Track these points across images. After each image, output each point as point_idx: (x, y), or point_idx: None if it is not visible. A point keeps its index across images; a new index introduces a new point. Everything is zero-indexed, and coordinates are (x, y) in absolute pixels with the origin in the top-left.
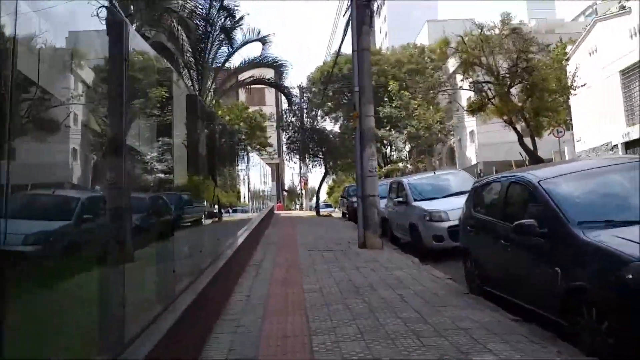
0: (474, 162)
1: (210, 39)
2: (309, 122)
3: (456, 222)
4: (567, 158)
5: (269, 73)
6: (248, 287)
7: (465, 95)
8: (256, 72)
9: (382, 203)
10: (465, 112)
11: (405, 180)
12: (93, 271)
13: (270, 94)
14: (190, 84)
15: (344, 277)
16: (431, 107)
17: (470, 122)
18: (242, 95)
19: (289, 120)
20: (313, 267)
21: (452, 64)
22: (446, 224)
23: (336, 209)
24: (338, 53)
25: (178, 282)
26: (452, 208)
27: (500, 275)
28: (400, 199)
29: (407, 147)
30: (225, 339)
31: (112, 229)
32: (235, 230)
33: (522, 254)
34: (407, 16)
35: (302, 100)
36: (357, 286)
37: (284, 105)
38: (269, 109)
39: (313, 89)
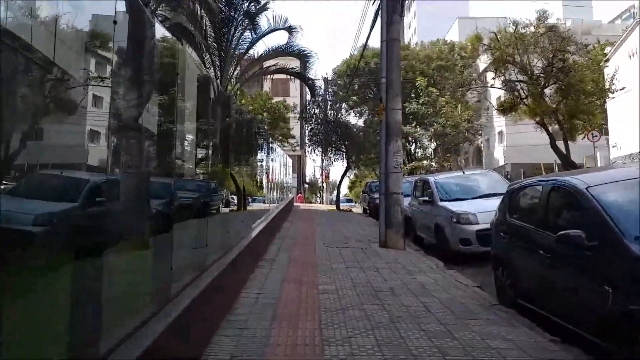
0: (501, 163)
1: (234, 23)
2: (332, 115)
3: (485, 226)
4: (599, 164)
5: (293, 63)
6: (259, 284)
7: (495, 94)
8: (280, 62)
9: (406, 201)
10: (495, 111)
11: (431, 178)
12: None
13: (294, 85)
14: (211, 70)
15: (363, 278)
16: (459, 105)
17: (499, 123)
18: (267, 85)
19: (313, 112)
20: (330, 265)
21: (483, 61)
22: (474, 227)
23: (356, 204)
24: (365, 45)
25: (177, 279)
26: (482, 211)
27: (536, 288)
28: (426, 198)
29: (433, 145)
30: (228, 344)
31: (122, 214)
32: (250, 222)
33: (564, 267)
34: (437, 12)
35: (327, 92)
36: (377, 290)
37: (308, 96)
38: (293, 100)
39: (338, 82)
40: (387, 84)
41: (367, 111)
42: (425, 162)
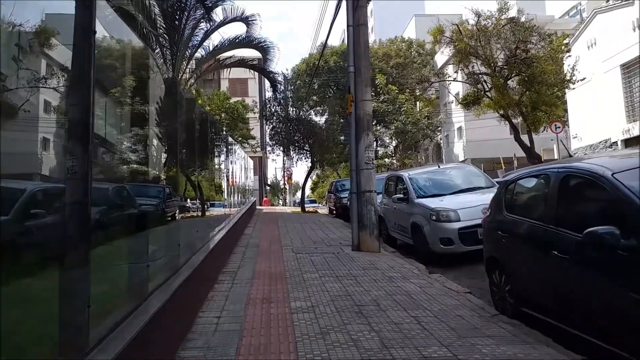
0: (461, 159)
1: (186, 11)
2: (294, 112)
3: (468, 223)
4: (557, 156)
5: (251, 55)
6: (219, 305)
7: (455, 90)
8: (239, 55)
9: (377, 200)
10: (456, 106)
11: (405, 174)
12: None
13: (253, 85)
14: (162, 63)
15: (341, 290)
16: (418, 102)
17: (459, 118)
18: (224, 85)
19: (274, 110)
20: (302, 275)
21: (444, 55)
22: (456, 225)
23: (320, 205)
24: (326, 42)
25: (115, 309)
26: (463, 207)
27: (549, 296)
28: (400, 196)
29: (394, 143)
30: None
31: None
32: (209, 229)
33: (589, 271)
34: (393, 11)
35: (287, 89)
36: (359, 304)
37: (268, 94)
38: (252, 99)
39: (298, 81)
40: (355, 72)
41: (327, 110)
42: (387, 160)
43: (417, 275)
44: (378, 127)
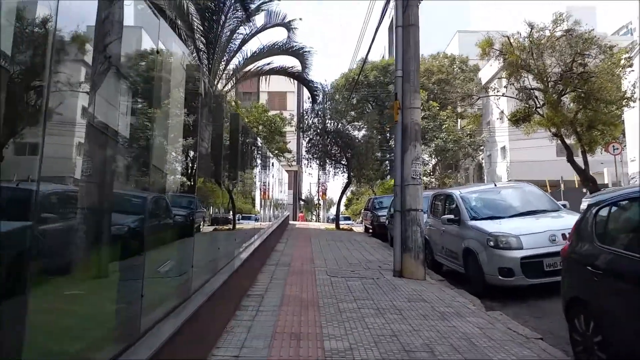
0: (504, 180)
1: (224, 13)
2: (333, 125)
3: (532, 252)
4: (607, 180)
5: (290, 64)
6: (238, 343)
7: (500, 107)
8: (277, 62)
9: (423, 220)
10: (508, 121)
11: (456, 192)
12: None
13: (292, 98)
14: (208, 76)
15: (384, 327)
16: (460, 119)
17: (502, 138)
18: (263, 98)
19: (311, 122)
20: (337, 305)
21: (487, 73)
22: (518, 254)
23: (354, 222)
24: (367, 55)
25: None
26: (526, 232)
27: None
28: (451, 217)
29: (433, 161)
30: None
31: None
32: (236, 245)
33: None
34: (436, 26)
35: (326, 101)
36: (409, 349)
37: (306, 105)
38: (290, 113)
39: (336, 96)
40: (403, 77)
41: (365, 126)
42: (425, 178)
43: (473, 312)
44: None
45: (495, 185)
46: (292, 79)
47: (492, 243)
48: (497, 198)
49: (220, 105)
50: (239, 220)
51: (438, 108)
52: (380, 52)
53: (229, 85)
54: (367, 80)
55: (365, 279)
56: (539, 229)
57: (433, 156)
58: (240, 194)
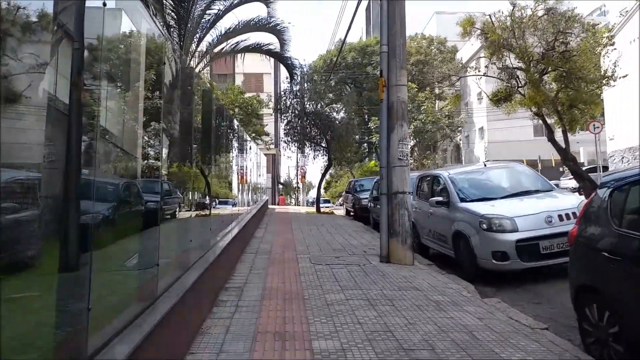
0: (482, 160)
1: None
2: (312, 106)
3: (527, 235)
4: (583, 159)
5: (266, 41)
6: (215, 346)
7: (475, 88)
8: (253, 38)
9: (411, 202)
10: (489, 101)
11: (444, 173)
12: None
13: (269, 80)
14: (177, 49)
15: (377, 321)
16: (437, 100)
17: (480, 118)
18: (239, 80)
19: (289, 103)
20: (324, 297)
21: (466, 53)
22: (513, 237)
23: (334, 205)
24: (348, 29)
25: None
26: (520, 214)
27: None
28: (440, 199)
29: (412, 143)
30: None
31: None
32: (212, 233)
33: None
34: (414, 7)
35: (304, 81)
36: (408, 347)
37: (283, 85)
38: (267, 95)
39: (314, 77)
40: (388, 52)
41: (344, 108)
42: None
43: (469, 300)
44: None
45: (485, 165)
46: (268, 57)
47: (485, 226)
48: (487, 179)
49: (190, 84)
50: (215, 206)
51: (417, 89)
52: (357, 34)
53: (202, 64)
54: (345, 61)
55: (351, 266)
56: (534, 210)
57: (412, 137)
58: (217, 177)
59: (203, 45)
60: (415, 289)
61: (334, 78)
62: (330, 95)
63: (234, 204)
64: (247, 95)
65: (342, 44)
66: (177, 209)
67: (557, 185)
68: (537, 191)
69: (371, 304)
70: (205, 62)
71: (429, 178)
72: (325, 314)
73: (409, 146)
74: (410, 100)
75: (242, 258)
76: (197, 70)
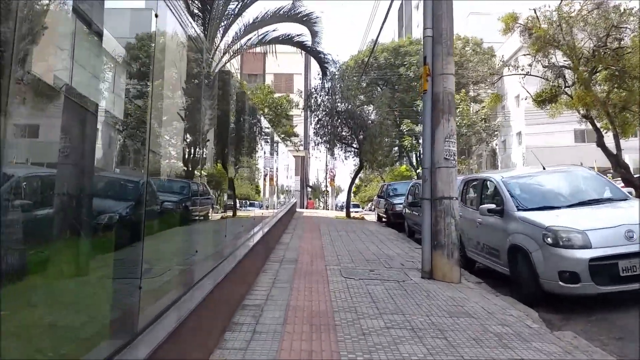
0: (519, 166)
1: None
2: (344, 104)
3: (603, 252)
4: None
5: (297, 32)
6: None
7: (513, 91)
8: (282, 29)
9: (458, 210)
10: (532, 102)
11: (496, 177)
12: None
13: (299, 80)
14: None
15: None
16: (473, 102)
17: (518, 123)
18: (269, 79)
19: (320, 100)
20: (358, 322)
21: (506, 51)
22: (586, 254)
23: (363, 209)
24: (381, 28)
25: None
26: (594, 227)
27: None
28: (492, 206)
29: None
30: None
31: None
32: (233, 237)
33: None
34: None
35: (336, 77)
36: None
37: (314, 82)
38: (297, 89)
39: (346, 76)
40: (433, 37)
41: (376, 110)
42: None
43: (537, 334)
44: None
45: (544, 168)
46: (299, 49)
47: (550, 240)
48: (548, 184)
49: (224, 81)
50: (242, 207)
51: None
52: (389, 35)
53: (227, 56)
54: (377, 62)
55: (389, 282)
56: (610, 223)
57: None
58: (242, 179)
59: (229, 36)
60: (468, 315)
61: (366, 79)
62: (362, 97)
63: (261, 206)
64: (277, 95)
65: (375, 44)
66: (210, 211)
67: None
68: (609, 200)
69: (417, 335)
70: (231, 54)
71: (476, 182)
72: (361, 348)
73: (456, 144)
74: None
75: (265, 267)
76: (223, 61)
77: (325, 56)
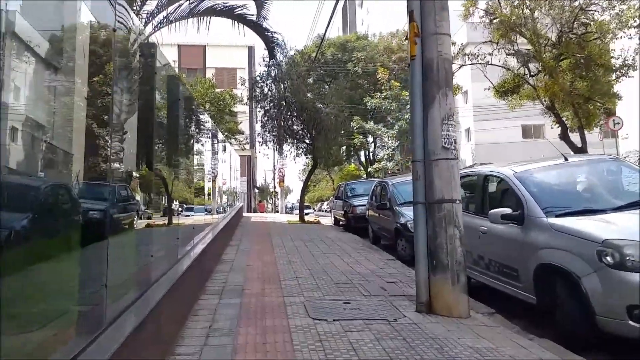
0: (468, 163)
1: None
2: (293, 96)
3: None
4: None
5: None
6: None
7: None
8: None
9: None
10: (493, 93)
11: (506, 171)
12: None
13: (243, 75)
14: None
15: None
16: None
17: (466, 119)
18: (209, 73)
19: (267, 89)
20: None
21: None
22: None
23: (314, 210)
24: (329, 22)
25: None
26: None
27: None
28: (507, 211)
29: (395, 144)
30: None
31: None
32: (154, 264)
33: None
34: (391, 5)
35: (283, 65)
36: None
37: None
38: (240, 78)
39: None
40: None
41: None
42: (389, 163)
43: None
44: (378, 126)
45: (566, 159)
46: (241, 25)
47: (610, 259)
48: (578, 180)
49: (147, 57)
50: (178, 213)
51: (400, 87)
52: (335, 33)
53: (150, 27)
54: (324, 57)
55: (377, 324)
56: None
57: (395, 139)
58: (176, 180)
59: (152, 4)
60: None
61: (313, 75)
62: (309, 95)
63: (205, 211)
64: (219, 90)
65: (322, 40)
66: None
67: None
68: None
69: None
70: (155, 26)
71: (472, 179)
72: None
73: (455, 127)
74: (393, 99)
75: (198, 305)
76: (146, 33)
77: (273, 35)
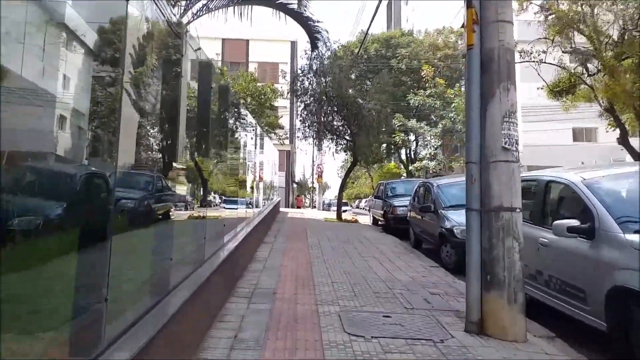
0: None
1: None
2: (335, 89)
3: None
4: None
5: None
6: None
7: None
8: None
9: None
10: (547, 94)
11: (573, 177)
12: None
13: (286, 69)
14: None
15: None
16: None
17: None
18: (252, 67)
19: (307, 83)
20: None
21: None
22: None
23: (352, 207)
24: (373, 18)
25: None
26: None
27: None
28: (574, 223)
29: (438, 143)
30: None
31: None
32: (178, 264)
33: None
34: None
35: (326, 58)
36: None
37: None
38: (281, 71)
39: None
40: None
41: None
42: (431, 163)
43: None
44: (420, 124)
45: None
46: (283, 13)
47: None
48: None
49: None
50: (212, 206)
51: (445, 85)
52: (379, 29)
53: (188, 16)
54: (367, 53)
55: (421, 345)
56: None
57: (439, 138)
58: (214, 174)
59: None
60: None
61: (355, 71)
62: (351, 90)
63: (240, 203)
64: (261, 84)
65: (366, 34)
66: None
67: None
68: None
69: None
70: (194, 15)
71: (534, 183)
72: None
73: (517, 125)
74: (437, 97)
75: (224, 309)
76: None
77: (316, 24)
